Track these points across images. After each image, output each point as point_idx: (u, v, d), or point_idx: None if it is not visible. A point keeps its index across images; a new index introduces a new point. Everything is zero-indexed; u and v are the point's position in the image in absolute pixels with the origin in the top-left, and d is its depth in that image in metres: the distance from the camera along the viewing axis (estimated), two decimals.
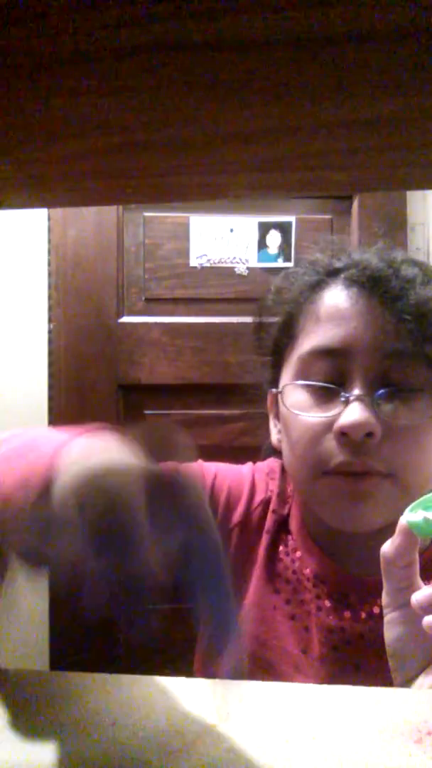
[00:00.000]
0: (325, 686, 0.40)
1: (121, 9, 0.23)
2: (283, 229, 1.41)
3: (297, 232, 1.41)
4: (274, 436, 0.62)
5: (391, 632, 0.44)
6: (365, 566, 0.55)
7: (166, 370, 1.40)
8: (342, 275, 0.55)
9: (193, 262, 1.41)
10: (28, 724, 0.35)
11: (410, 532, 0.42)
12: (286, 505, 0.62)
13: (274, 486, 0.64)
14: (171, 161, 0.35)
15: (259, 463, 0.68)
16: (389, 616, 0.44)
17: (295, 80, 0.27)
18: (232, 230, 1.41)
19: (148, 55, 0.26)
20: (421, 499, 0.42)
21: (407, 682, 0.43)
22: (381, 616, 0.50)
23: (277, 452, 0.63)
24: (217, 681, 0.41)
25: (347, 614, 0.56)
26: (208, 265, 1.41)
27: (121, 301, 1.41)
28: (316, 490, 0.53)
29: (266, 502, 0.63)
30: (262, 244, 1.42)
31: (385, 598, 0.44)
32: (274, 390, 0.61)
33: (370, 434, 0.49)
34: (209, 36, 0.25)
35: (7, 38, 0.24)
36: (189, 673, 0.64)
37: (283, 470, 0.64)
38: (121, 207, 1.40)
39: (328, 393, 0.52)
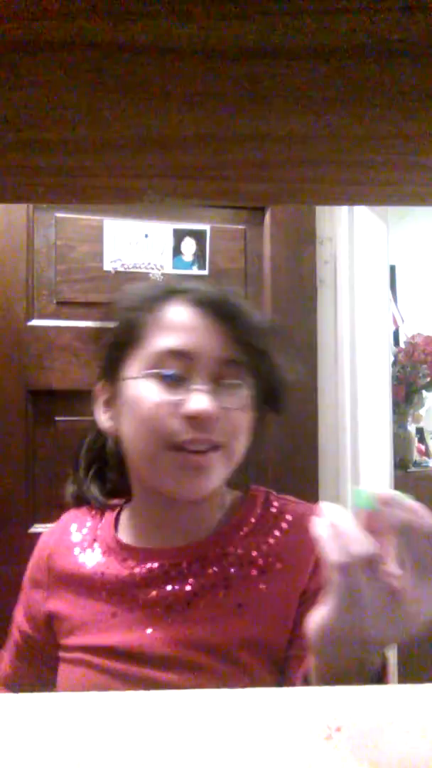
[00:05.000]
0: (233, 690, 0.40)
1: (33, 2, 0.22)
2: (198, 237, 1.43)
3: (211, 240, 1.43)
4: (105, 423, 0.73)
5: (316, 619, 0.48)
6: (183, 535, 0.68)
7: (78, 376, 1.36)
8: (185, 296, 0.69)
9: (107, 266, 1.39)
10: None
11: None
12: (95, 522, 0.75)
13: (76, 518, 0.77)
14: (84, 162, 0.34)
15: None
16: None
17: (210, 90, 0.27)
18: (146, 236, 1.41)
19: (62, 51, 0.25)
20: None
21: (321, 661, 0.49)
22: (204, 576, 0.64)
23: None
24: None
25: (172, 585, 0.65)
26: (122, 269, 1.40)
27: (30, 303, 1.36)
28: (162, 463, 0.64)
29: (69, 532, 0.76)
30: (177, 251, 1.42)
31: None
32: (106, 380, 0.73)
33: (210, 417, 0.63)
34: (125, 38, 0.24)
35: None
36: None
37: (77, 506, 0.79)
38: (31, 206, 1.35)
39: (176, 383, 0.65)
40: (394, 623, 0.44)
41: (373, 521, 0.46)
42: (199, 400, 0.63)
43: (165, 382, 0.65)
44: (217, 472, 0.65)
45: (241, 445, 0.68)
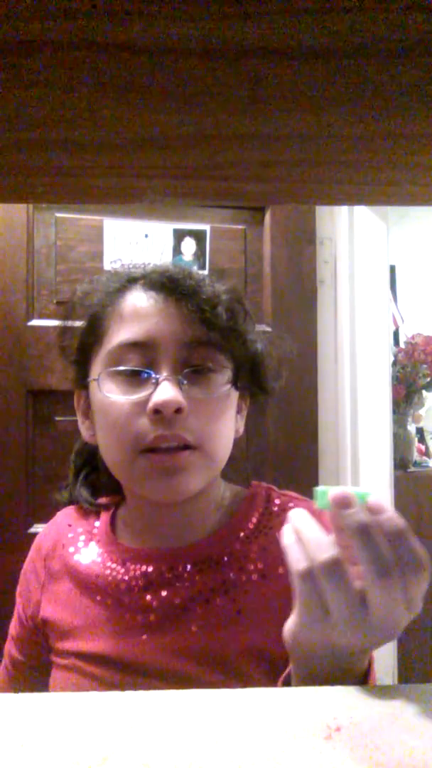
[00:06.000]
0: (233, 690, 0.40)
1: (32, 2, 0.22)
2: (198, 237, 1.43)
3: (211, 240, 1.43)
4: (85, 432, 0.68)
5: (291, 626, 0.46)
6: (180, 536, 0.64)
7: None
8: (141, 281, 0.63)
9: (107, 266, 1.39)
10: None
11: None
12: (90, 520, 0.72)
13: (71, 519, 0.74)
14: (84, 162, 0.34)
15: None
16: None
17: (210, 90, 0.27)
18: (147, 236, 1.41)
19: (62, 51, 0.25)
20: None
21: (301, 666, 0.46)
22: (201, 581, 0.61)
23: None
24: (117, 694, 0.40)
25: (167, 590, 0.62)
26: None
27: (30, 303, 1.36)
28: (135, 468, 0.59)
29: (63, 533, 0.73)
30: (177, 251, 1.42)
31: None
32: (82, 387, 0.67)
33: (178, 410, 0.57)
34: (125, 38, 0.24)
35: None
36: None
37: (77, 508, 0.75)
38: (31, 206, 1.35)
39: (138, 378, 0.59)
40: (362, 629, 0.41)
41: (339, 522, 0.43)
42: (162, 391, 0.56)
43: (127, 380, 0.59)
44: (196, 471, 0.59)
45: (221, 439, 0.62)
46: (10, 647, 0.73)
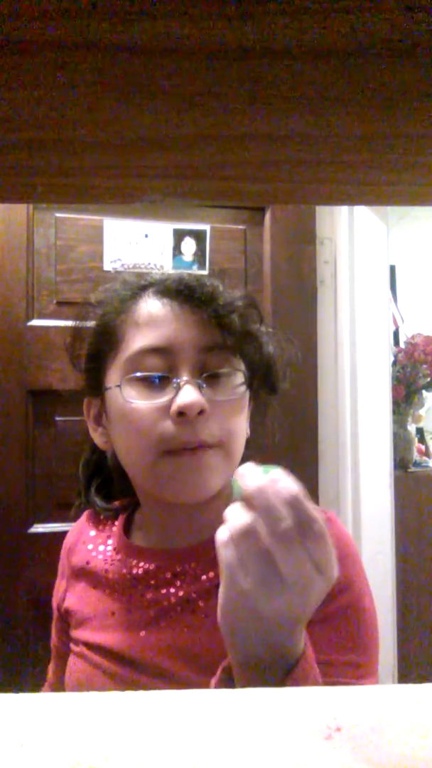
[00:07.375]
0: (232, 690, 0.40)
1: (33, 2, 0.22)
2: (198, 237, 1.43)
3: (211, 240, 1.43)
4: (98, 439, 0.70)
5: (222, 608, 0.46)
6: (187, 536, 0.66)
7: (78, 376, 1.36)
8: (154, 288, 0.66)
9: (107, 265, 1.39)
10: None
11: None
12: (109, 524, 0.75)
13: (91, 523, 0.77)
14: (84, 162, 0.34)
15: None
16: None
17: (210, 89, 0.27)
18: (146, 236, 1.41)
19: (61, 51, 0.25)
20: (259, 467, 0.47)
21: (240, 660, 0.45)
22: (199, 581, 0.62)
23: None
24: (118, 694, 0.40)
25: (167, 588, 0.64)
26: (122, 269, 1.40)
27: (30, 303, 1.36)
28: (159, 470, 0.61)
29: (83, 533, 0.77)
30: (177, 251, 1.42)
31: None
32: (94, 395, 0.69)
33: (201, 411, 0.59)
34: (124, 38, 0.24)
35: None
36: None
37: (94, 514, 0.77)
38: (31, 207, 1.35)
39: (159, 383, 0.61)
40: (277, 591, 0.42)
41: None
42: (186, 394, 0.59)
43: (148, 385, 0.61)
44: (218, 470, 0.61)
45: (239, 438, 0.64)
46: (53, 636, 0.79)
